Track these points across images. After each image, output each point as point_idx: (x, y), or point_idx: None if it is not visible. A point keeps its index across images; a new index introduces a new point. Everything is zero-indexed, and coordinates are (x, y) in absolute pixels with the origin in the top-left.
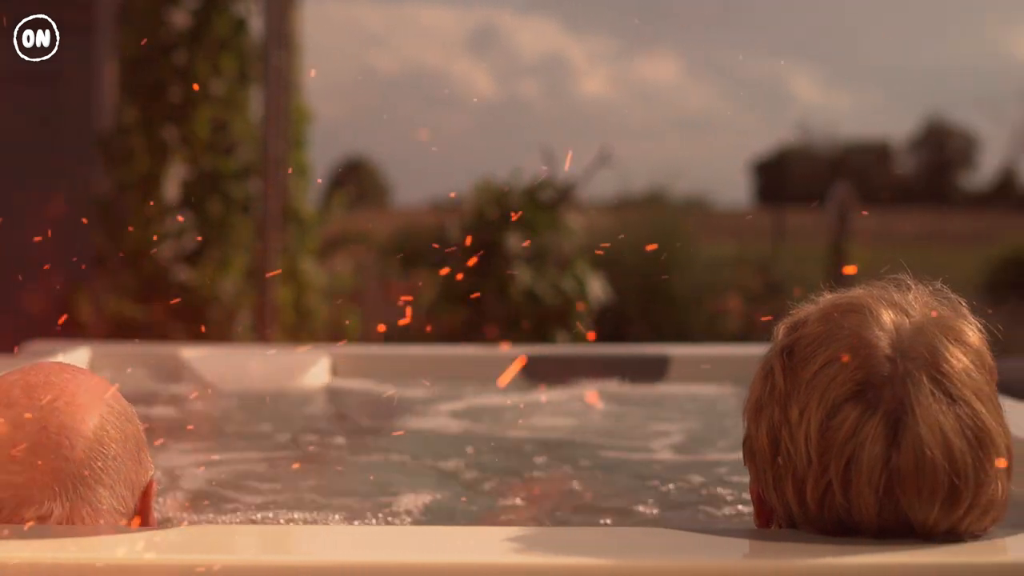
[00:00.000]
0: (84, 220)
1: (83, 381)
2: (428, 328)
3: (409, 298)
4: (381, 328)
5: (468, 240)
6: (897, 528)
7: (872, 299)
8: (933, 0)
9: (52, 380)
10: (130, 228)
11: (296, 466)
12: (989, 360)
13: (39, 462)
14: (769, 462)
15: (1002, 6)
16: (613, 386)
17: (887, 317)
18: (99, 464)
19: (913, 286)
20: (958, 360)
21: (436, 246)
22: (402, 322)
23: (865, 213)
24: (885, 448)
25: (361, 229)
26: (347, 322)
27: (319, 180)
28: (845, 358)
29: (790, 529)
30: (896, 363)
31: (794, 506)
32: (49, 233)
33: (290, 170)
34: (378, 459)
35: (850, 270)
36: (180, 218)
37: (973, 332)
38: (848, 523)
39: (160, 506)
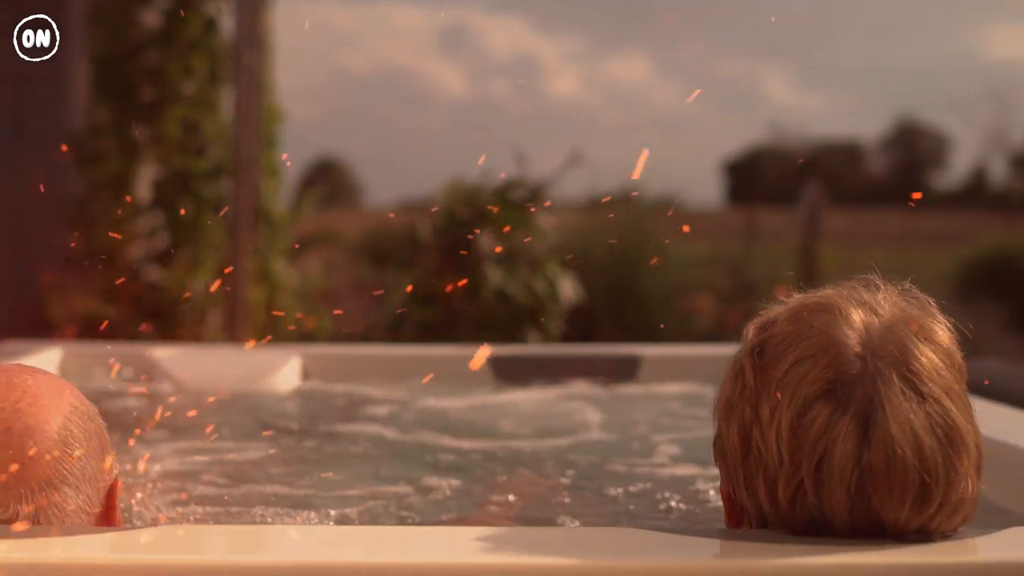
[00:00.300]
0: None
1: (45, 382)
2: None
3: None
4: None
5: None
6: (868, 527)
7: (841, 299)
8: (904, 0)
9: (14, 382)
10: (110, 232)
11: (264, 466)
12: (959, 359)
13: (3, 465)
14: (740, 461)
15: (973, 6)
16: (584, 386)
17: (856, 316)
18: (64, 465)
19: (882, 286)
20: (928, 358)
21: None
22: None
23: (917, 197)
24: (856, 446)
25: (332, 229)
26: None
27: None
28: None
29: (761, 529)
30: (866, 361)
31: (765, 505)
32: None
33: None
34: (347, 460)
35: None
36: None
37: (943, 331)
38: (820, 522)
39: (128, 505)
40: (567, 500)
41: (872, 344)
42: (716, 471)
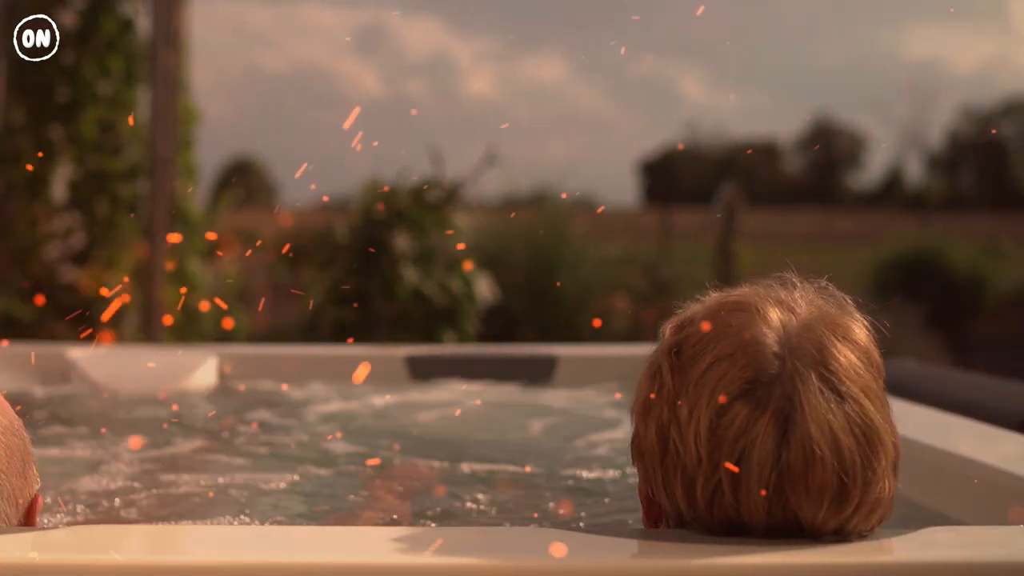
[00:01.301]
0: None
1: None
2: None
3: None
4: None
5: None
6: (786, 527)
7: (759, 297)
8: (822, 1)
9: None
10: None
11: (177, 465)
12: (876, 358)
13: None
14: (658, 461)
15: (887, 6)
16: (501, 386)
17: (774, 315)
18: None
19: (799, 284)
20: (846, 357)
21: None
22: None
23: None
24: (775, 446)
25: (248, 229)
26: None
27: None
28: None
29: (678, 529)
30: (784, 361)
31: (683, 505)
32: None
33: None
34: (261, 458)
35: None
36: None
37: (860, 329)
38: (737, 522)
39: (46, 508)
40: (480, 499)
41: (790, 343)
42: (633, 470)
